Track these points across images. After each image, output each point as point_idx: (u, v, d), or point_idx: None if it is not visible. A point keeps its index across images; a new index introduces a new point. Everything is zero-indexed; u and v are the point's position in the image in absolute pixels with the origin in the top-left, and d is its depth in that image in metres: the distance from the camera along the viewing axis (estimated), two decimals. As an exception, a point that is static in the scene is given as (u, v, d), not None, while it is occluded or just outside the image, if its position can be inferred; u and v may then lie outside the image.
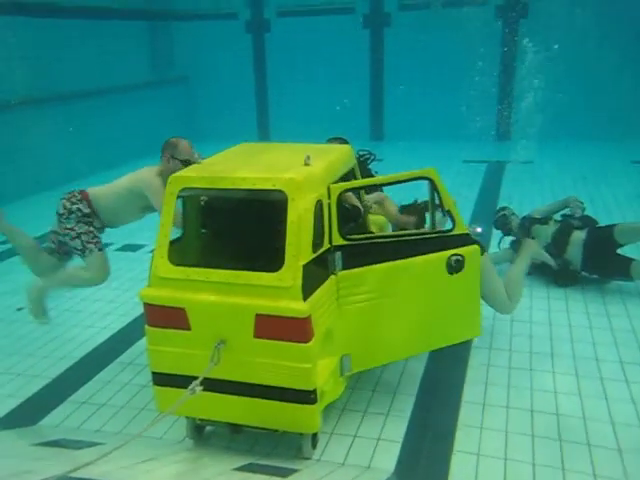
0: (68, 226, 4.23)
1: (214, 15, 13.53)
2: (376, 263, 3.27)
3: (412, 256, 3.34)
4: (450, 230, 3.44)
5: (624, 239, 5.39)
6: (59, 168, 9.91)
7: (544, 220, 5.76)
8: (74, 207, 4.23)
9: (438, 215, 3.61)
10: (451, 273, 3.43)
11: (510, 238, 6.02)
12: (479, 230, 5.54)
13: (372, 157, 4.88)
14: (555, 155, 10.95)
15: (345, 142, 4.47)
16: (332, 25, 12.81)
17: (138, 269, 6.25)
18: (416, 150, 11.36)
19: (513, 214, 6.06)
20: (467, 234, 3.48)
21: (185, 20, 13.58)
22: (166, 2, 13.29)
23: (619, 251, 5.40)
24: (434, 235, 3.46)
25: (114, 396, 4.11)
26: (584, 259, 5.41)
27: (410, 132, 12.27)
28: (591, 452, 3.27)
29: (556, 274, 5.53)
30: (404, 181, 3.36)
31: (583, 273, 5.52)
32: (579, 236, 5.46)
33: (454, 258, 3.41)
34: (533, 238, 5.69)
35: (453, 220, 3.44)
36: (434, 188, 3.42)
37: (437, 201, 3.50)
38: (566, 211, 5.88)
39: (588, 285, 5.47)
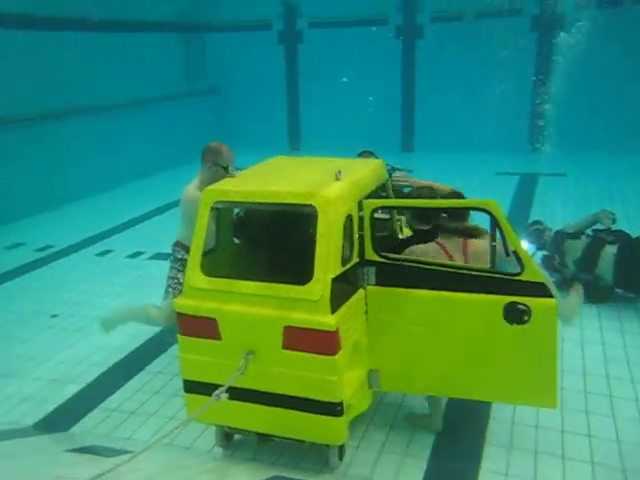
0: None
1: (247, 26, 13.72)
2: (412, 287, 3.14)
3: (458, 290, 3.06)
4: (517, 274, 3.00)
5: None
6: (95, 177, 10.21)
7: (576, 235, 5.70)
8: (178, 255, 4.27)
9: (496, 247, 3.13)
10: (510, 322, 3.03)
11: (542, 252, 5.97)
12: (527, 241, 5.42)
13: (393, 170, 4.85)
14: (590, 167, 10.81)
15: (374, 155, 4.52)
16: (364, 36, 12.88)
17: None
18: (447, 162, 11.30)
19: (547, 228, 5.99)
20: (542, 284, 2.99)
21: (218, 31, 13.80)
22: (200, 14, 13.52)
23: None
24: (493, 275, 3.05)
25: (144, 404, 4.19)
26: (616, 274, 5.31)
27: (441, 144, 12.24)
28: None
29: (587, 290, 5.45)
30: (457, 209, 3.24)
31: (617, 290, 5.43)
32: (610, 251, 5.37)
33: (516, 306, 2.99)
34: (565, 253, 5.64)
35: (521, 263, 2.99)
36: (495, 223, 3.01)
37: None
38: (598, 226, 5.81)
39: (623, 303, 5.37)
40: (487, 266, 3.13)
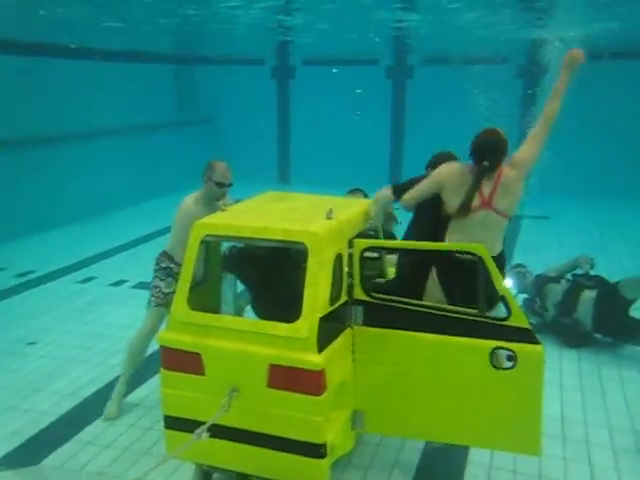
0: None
1: (241, 60, 13.94)
2: (398, 328, 3.12)
3: (445, 333, 3.05)
4: (504, 319, 3.00)
5: (630, 293, 5.35)
6: (84, 203, 10.17)
7: (557, 279, 5.77)
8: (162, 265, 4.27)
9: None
10: (496, 367, 3.00)
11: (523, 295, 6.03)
12: (509, 284, 5.43)
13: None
14: (572, 211, 10.99)
15: (364, 193, 4.55)
16: (356, 75, 13.13)
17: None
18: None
19: (528, 272, 6.08)
20: (528, 330, 2.98)
21: (213, 64, 13.99)
22: (193, 47, 13.73)
23: (633, 313, 5.37)
24: (480, 319, 3.04)
25: (119, 437, 4.11)
26: (595, 319, 5.37)
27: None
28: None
29: (566, 334, 5.51)
30: (446, 251, 3.22)
31: (596, 335, 5.48)
32: (589, 295, 5.43)
33: (503, 352, 2.97)
34: (546, 296, 5.71)
35: (508, 308, 2.98)
36: (483, 267, 3.00)
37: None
38: (578, 270, 5.89)
39: (602, 348, 5.42)
40: (512, 200, 3.27)
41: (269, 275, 3.66)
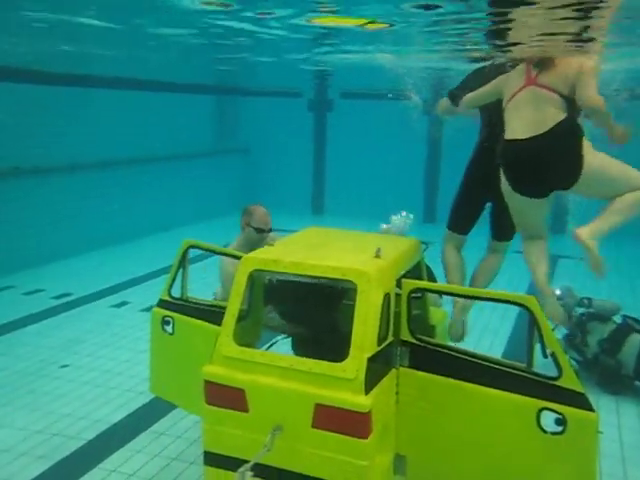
0: None
1: (279, 93, 14.15)
2: (445, 375, 3.01)
3: (491, 385, 2.90)
4: (555, 378, 2.80)
5: None
6: (122, 226, 10.40)
7: (603, 318, 5.63)
8: None
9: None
10: (543, 430, 2.80)
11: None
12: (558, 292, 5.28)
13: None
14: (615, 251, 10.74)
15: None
16: (394, 108, 13.19)
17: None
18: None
19: (573, 308, 5.87)
20: (582, 394, 2.75)
21: (252, 95, 14.24)
22: (235, 79, 14.04)
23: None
24: (528, 375, 2.88)
25: (143, 467, 4.08)
26: (638, 363, 5.22)
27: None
28: None
29: (606, 377, 5.37)
30: (495, 301, 3.08)
31: (638, 383, 5.32)
32: (638, 339, 5.31)
33: (552, 415, 2.77)
34: (588, 332, 5.57)
35: (559, 367, 2.79)
36: (533, 321, 2.85)
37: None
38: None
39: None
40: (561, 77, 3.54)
41: (310, 312, 3.62)
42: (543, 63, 3.69)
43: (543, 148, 3.59)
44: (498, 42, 4.64)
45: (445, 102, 4.32)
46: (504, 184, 3.82)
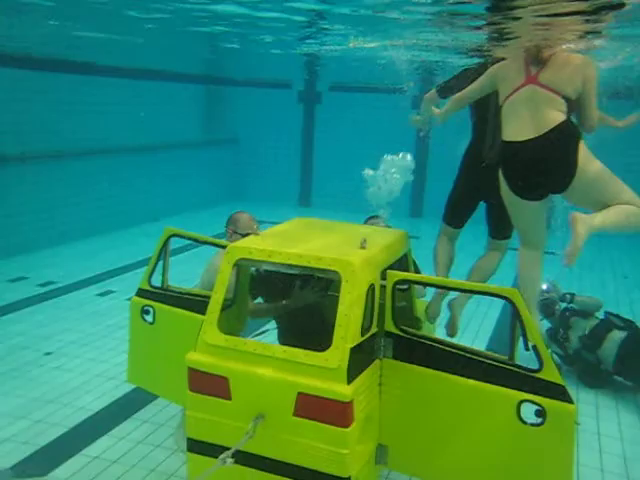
0: None
1: (268, 83, 14.08)
2: (427, 366, 3.05)
3: (472, 377, 2.94)
4: (536, 371, 2.85)
5: None
6: (109, 216, 10.34)
7: (586, 315, 5.71)
8: None
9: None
10: (523, 422, 2.85)
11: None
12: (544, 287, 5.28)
13: None
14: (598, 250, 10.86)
15: (382, 219, 4.56)
16: (383, 102, 13.20)
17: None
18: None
19: (556, 302, 5.95)
20: (562, 386, 2.80)
21: (241, 86, 14.15)
22: (224, 69, 13.93)
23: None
24: (510, 367, 2.91)
25: (126, 454, 4.10)
26: (618, 360, 5.29)
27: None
28: None
29: (586, 371, 5.46)
30: (479, 293, 3.13)
31: (616, 377, 5.41)
32: (618, 335, 5.38)
33: (532, 406, 2.81)
34: (570, 327, 5.64)
35: (540, 360, 2.83)
36: (516, 314, 2.88)
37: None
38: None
39: (621, 392, 5.33)
40: (563, 78, 3.37)
41: (296, 302, 3.63)
42: (542, 60, 3.53)
43: (543, 150, 3.47)
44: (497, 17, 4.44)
45: (432, 94, 4.19)
46: (503, 184, 3.70)
